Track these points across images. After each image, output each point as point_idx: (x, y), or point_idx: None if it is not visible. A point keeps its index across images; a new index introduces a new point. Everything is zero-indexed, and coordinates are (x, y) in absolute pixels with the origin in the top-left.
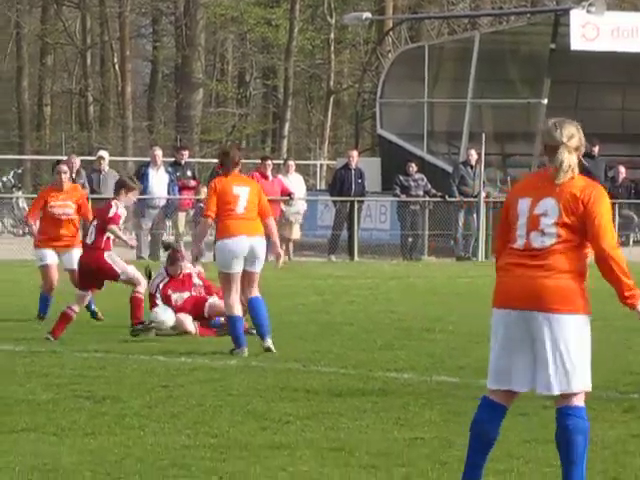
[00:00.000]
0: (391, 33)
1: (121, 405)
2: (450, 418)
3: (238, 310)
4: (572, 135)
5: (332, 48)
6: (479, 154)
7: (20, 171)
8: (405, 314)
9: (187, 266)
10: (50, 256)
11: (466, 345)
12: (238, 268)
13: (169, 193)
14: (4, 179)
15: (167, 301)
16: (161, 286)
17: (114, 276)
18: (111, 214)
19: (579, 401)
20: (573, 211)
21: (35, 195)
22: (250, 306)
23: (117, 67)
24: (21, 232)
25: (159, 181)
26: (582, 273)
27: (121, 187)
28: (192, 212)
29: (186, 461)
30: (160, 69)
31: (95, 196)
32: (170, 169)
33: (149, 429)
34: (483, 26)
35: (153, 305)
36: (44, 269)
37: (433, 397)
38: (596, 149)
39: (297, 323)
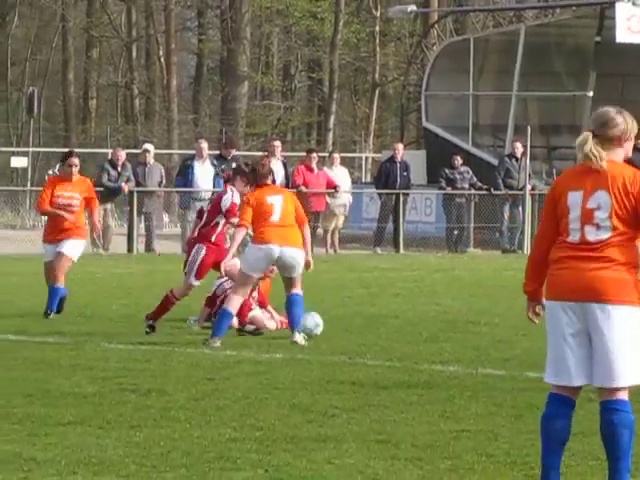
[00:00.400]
0: (436, 26)
1: (167, 398)
2: (496, 411)
3: (234, 307)
4: (605, 122)
5: (377, 41)
6: (524, 147)
7: None
8: (450, 307)
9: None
10: (53, 252)
11: (512, 338)
12: (257, 274)
13: (214, 186)
14: (50, 172)
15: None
16: (227, 286)
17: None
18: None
19: (624, 395)
20: (625, 204)
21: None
22: (288, 301)
23: (162, 60)
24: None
25: (205, 174)
26: (637, 265)
27: (237, 174)
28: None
29: (232, 454)
30: (205, 62)
31: (140, 189)
32: (216, 162)
33: (195, 422)
34: (528, 19)
35: (212, 304)
36: (46, 265)
37: (478, 390)
38: None
39: (343, 316)
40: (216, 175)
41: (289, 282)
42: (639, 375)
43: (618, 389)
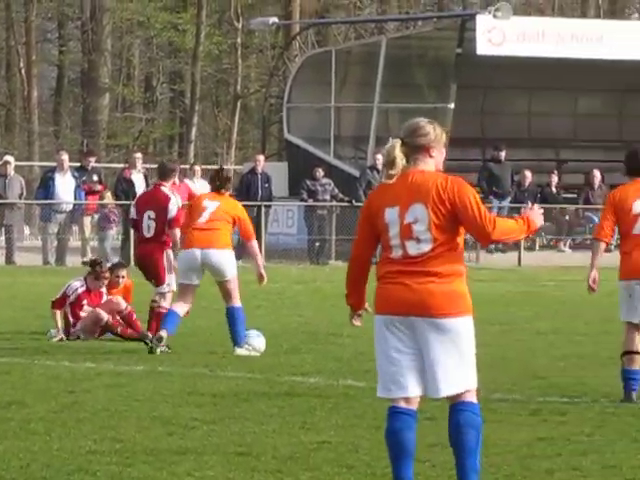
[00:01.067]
0: (298, 38)
1: (27, 410)
2: (356, 422)
3: (177, 308)
4: (413, 131)
5: (239, 53)
6: None
7: None
8: (312, 318)
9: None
10: None
11: (372, 349)
12: (189, 281)
13: (75, 198)
14: None
15: (76, 309)
16: (79, 292)
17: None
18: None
19: (472, 397)
20: (442, 212)
21: None
22: (227, 314)
23: (23, 72)
24: None
25: (65, 186)
26: (462, 274)
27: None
28: (97, 216)
29: (92, 466)
30: (66, 74)
31: (0, 201)
32: (76, 174)
33: (55, 434)
34: (390, 31)
35: (59, 304)
36: None
37: (340, 401)
38: (503, 154)
39: (204, 328)
40: (77, 187)
41: (222, 290)
42: (474, 380)
43: (463, 393)
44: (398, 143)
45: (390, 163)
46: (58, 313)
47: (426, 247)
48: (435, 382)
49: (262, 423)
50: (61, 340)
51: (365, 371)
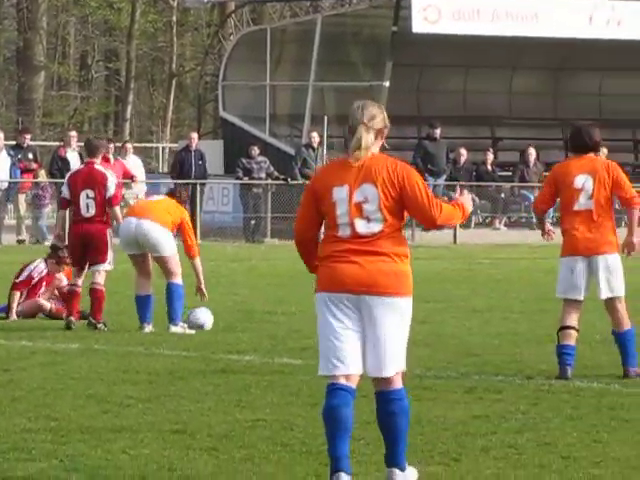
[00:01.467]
0: (233, 16)
1: None
2: (292, 400)
3: (139, 289)
4: (373, 116)
5: (174, 31)
6: (321, 137)
7: None
8: (247, 296)
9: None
10: None
11: (308, 327)
12: (130, 251)
13: (10, 176)
14: None
15: (35, 290)
16: (43, 274)
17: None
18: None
19: (398, 383)
20: (391, 194)
21: None
22: (166, 291)
23: None
24: None
25: (1, 164)
26: (408, 255)
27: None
28: (31, 194)
29: (27, 444)
30: (1, 52)
31: None
32: (12, 152)
33: None
34: (325, 9)
35: (23, 285)
36: None
37: (275, 379)
38: (438, 131)
39: None
40: (12, 165)
41: (161, 267)
42: (403, 363)
43: (391, 379)
44: (363, 127)
45: (364, 148)
46: (17, 295)
47: (376, 227)
48: (378, 361)
49: (197, 401)
50: (10, 320)
51: (301, 349)
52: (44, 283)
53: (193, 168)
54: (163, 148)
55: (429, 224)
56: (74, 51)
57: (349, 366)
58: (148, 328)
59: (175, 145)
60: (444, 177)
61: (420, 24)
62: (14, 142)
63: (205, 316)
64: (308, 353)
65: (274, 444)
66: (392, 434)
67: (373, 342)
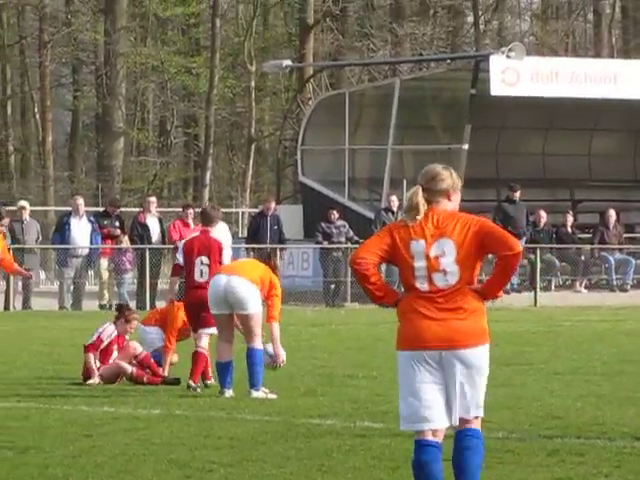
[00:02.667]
0: (311, 80)
1: (44, 455)
2: (374, 464)
3: (221, 355)
4: (433, 177)
5: (253, 96)
6: (400, 200)
7: None
8: (328, 360)
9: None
10: None
11: (389, 390)
12: (218, 310)
13: (91, 242)
14: None
15: (106, 354)
16: (113, 337)
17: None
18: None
19: (477, 425)
20: (467, 247)
21: None
22: (246, 355)
23: (38, 117)
24: None
25: (81, 230)
26: (484, 310)
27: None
28: (111, 261)
29: None
30: (81, 118)
31: (17, 246)
32: (92, 218)
33: (73, 479)
34: (403, 72)
35: (94, 348)
36: None
37: (357, 443)
38: (517, 194)
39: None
40: (93, 231)
41: (244, 327)
42: (482, 409)
43: (471, 420)
44: (419, 189)
45: (414, 208)
46: (92, 356)
47: (453, 280)
48: (464, 405)
49: (280, 466)
50: (99, 384)
51: (382, 412)
52: (115, 347)
53: (268, 233)
54: (242, 213)
55: (514, 248)
56: (153, 117)
57: (435, 421)
58: (229, 393)
59: (255, 210)
60: (524, 240)
61: (499, 87)
62: (100, 209)
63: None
64: (389, 417)
65: None
66: (465, 471)
67: (456, 391)
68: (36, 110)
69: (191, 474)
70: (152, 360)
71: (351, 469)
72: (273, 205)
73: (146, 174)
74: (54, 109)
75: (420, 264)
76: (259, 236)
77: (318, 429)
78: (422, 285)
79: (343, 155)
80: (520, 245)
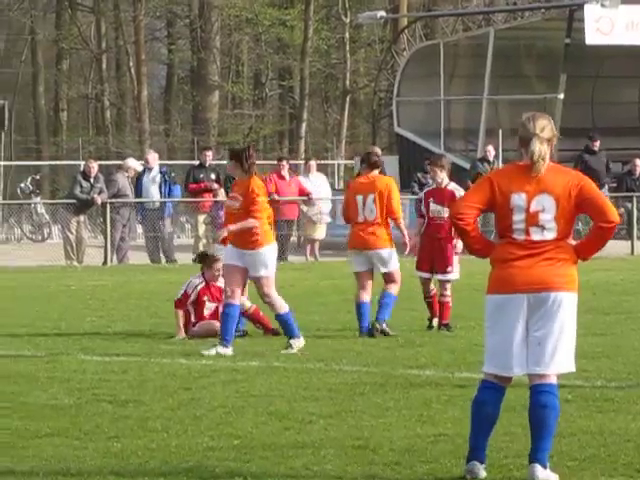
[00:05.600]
0: (406, 31)
1: (144, 408)
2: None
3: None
4: (544, 127)
5: (347, 47)
6: (496, 150)
7: (38, 177)
8: (426, 311)
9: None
10: None
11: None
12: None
13: (162, 195)
14: (22, 185)
15: (200, 307)
16: (199, 288)
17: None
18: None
19: (554, 379)
20: (567, 205)
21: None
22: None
23: (133, 71)
24: (40, 238)
25: (153, 184)
26: (576, 261)
27: None
28: (210, 215)
29: (210, 462)
30: (176, 72)
31: (113, 200)
32: (164, 169)
33: (172, 431)
34: (497, 22)
35: (182, 304)
36: None
37: (455, 393)
38: (597, 144)
39: (318, 322)
40: (164, 182)
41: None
42: (571, 362)
43: (549, 375)
44: (537, 139)
45: (540, 159)
46: (180, 313)
47: (550, 235)
48: (542, 357)
49: (378, 417)
50: (183, 339)
51: (480, 362)
52: (206, 297)
53: None
54: (338, 165)
55: (608, 224)
56: (247, 70)
57: (512, 368)
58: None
59: (351, 162)
60: (605, 189)
61: (593, 35)
62: (196, 162)
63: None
64: None
65: (456, 458)
66: (539, 429)
67: (539, 339)
68: (131, 64)
69: (290, 426)
70: (261, 314)
71: (450, 419)
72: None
73: (241, 127)
74: (149, 63)
75: (519, 217)
76: None
77: (416, 379)
78: (519, 236)
79: (438, 106)
80: (617, 216)
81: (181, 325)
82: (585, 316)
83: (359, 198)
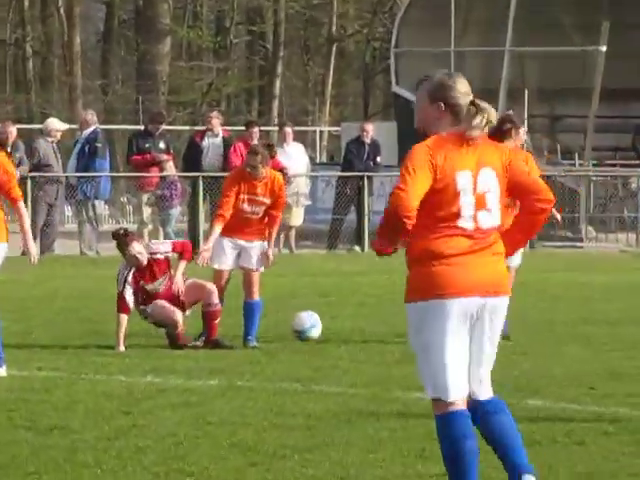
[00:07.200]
0: None
1: (73, 437)
2: (486, 448)
3: None
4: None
5: None
6: (521, 117)
7: None
8: None
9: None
10: None
11: (507, 358)
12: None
13: (85, 168)
14: None
15: (143, 295)
16: (129, 279)
17: None
18: None
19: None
20: (502, 185)
21: None
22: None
23: (62, 11)
24: None
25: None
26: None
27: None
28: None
29: None
30: (117, 13)
31: (38, 174)
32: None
33: (108, 467)
34: None
35: (123, 304)
36: None
37: None
38: None
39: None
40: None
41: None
42: None
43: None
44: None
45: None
46: (123, 318)
47: (496, 222)
48: (486, 370)
49: (369, 450)
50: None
51: (498, 385)
52: (142, 283)
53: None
54: (321, 132)
55: (543, 201)
56: (207, 11)
57: (465, 389)
58: None
59: (336, 128)
60: None
61: None
62: (139, 127)
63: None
64: (507, 390)
65: None
66: (506, 437)
67: (481, 354)
68: (60, 3)
69: (258, 461)
70: (217, 321)
71: None
72: (371, 131)
73: (199, 83)
74: (83, 1)
75: (467, 200)
76: (354, 168)
77: (417, 405)
78: (466, 225)
79: (448, 59)
80: (552, 195)
81: (122, 335)
82: (628, 328)
83: None
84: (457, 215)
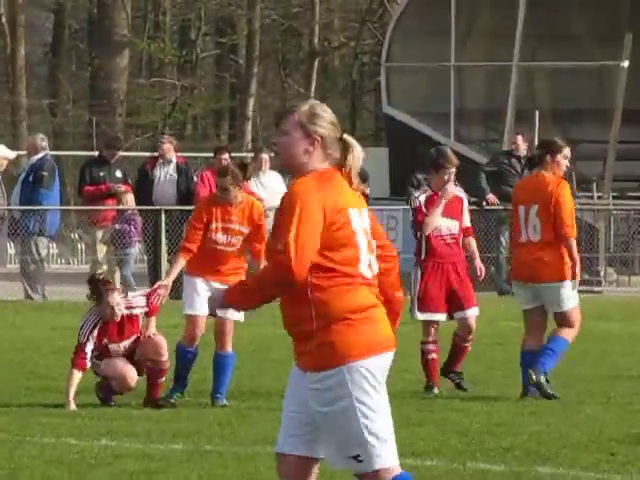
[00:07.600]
0: None
1: None
2: None
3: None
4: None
5: None
6: (530, 141)
7: None
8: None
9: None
10: None
11: (514, 419)
12: None
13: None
14: None
15: (104, 353)
16: (95, 333)
17: None
18: None
19: None
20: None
21: None
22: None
23: (4, 20)
24: None
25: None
26: None
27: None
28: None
29: None
30: (67, 22)
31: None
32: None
33: None
34: None
35: (80, 360)
36: None
37: None
38: None
39: (269, 386)
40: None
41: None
42: None
43: None
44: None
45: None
46: (75, 375)
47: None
48: None
49: None
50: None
51: (504, 449)
52: (105, 339)
53: None
54: None
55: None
56: (171, 21)
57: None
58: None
59: None
60: None
61: None
62: (93, 153)
63: None
64: (515, 456)
65: None
66: None
67: None
68: (1, 11)
69: None
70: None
71: None
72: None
73: (161, 103)
74: (28, 9)
75: (363, 244)
76: None
77: (415, 473)
78: (366, 272)
79: (447, 75)
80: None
81: (72, 392)
82: None
83: (521, 209)
84: (356, 262)
